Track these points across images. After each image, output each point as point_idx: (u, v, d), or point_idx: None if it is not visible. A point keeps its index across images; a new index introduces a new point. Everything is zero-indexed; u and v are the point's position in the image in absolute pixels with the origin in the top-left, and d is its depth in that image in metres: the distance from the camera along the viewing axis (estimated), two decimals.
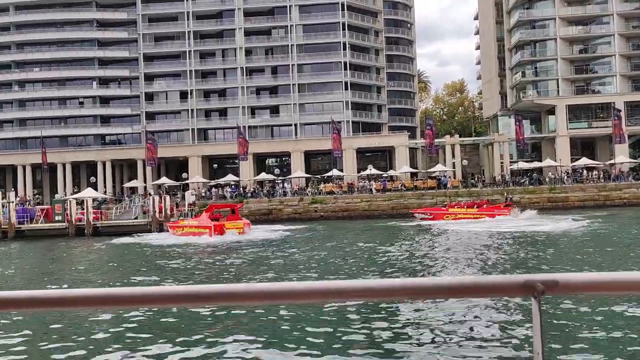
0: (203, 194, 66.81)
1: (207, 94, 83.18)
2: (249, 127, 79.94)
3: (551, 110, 78.03)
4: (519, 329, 11.76)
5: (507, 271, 20.44)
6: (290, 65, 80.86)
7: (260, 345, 11.27)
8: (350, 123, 79.48)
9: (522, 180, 65.27)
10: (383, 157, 78.41)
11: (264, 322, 13.31)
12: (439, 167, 69.62)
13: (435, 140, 70.37)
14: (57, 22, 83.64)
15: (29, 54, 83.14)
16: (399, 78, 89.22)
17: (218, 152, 76.54)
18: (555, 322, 12.18)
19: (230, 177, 69.46)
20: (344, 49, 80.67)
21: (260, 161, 78.34)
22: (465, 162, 73.78)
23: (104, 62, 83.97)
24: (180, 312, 14.00)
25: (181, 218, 48.77)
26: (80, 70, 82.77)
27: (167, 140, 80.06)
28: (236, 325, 13.04)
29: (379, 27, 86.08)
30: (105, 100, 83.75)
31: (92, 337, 12.48)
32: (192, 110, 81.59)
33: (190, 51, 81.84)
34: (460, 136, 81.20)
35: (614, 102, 72.07)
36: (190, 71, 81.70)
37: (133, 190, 72.09)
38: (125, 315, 13.96)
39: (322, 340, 11.56)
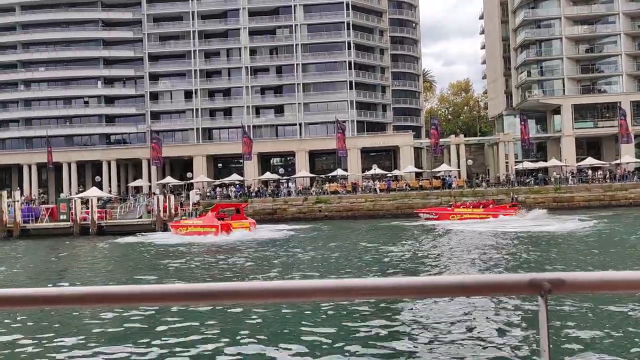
0: (207, 194, 66.87)
1: (211, 94, 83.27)
2: (254, 126, 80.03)
3: (557, 110, 77.78)
4: (524, 328, 11.69)
5: (513, 271, 20.33)
6: (295, 65, 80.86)
7: (260, 345, 11.21)
8: (355, 122, 79.43)
9: (527, 180, 65.07)
10: (388, 156, 78.31)
11: (264, 322, 13.25)
12: (443, 167, 69.54)
13: (440, 140, 70.13)
14: (63, 22, 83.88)
15: (34, 53, 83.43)
16: (403, 77, 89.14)
17: (223, 151, 76.61)
18: (560, 321, 12.09)
19: (234, 177, 69.51)
20: (349, 48, 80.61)
21: (264, 161, 78.37)
22: (470, 162, 73.61)
23: (109, 62, 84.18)
24: (181, 311, 13.95)
25: (183, 217, 48.71)
26: (86, 69, 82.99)
27: (172, 139, 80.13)
28: (236, 325, 12.98)
29: (383, 26, 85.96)
30: (110, 100, 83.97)
31: (92, 337, 12.45)
32: (196, 109, 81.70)
33: (195, 51, 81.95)
34: (465, 136, 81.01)
35: (619, 102, 71.79)
36: (195, 71, 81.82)
37: (138, 189, 72.23)
38: (125, 314, 13.93)
39: (322, 340, 11.49)
